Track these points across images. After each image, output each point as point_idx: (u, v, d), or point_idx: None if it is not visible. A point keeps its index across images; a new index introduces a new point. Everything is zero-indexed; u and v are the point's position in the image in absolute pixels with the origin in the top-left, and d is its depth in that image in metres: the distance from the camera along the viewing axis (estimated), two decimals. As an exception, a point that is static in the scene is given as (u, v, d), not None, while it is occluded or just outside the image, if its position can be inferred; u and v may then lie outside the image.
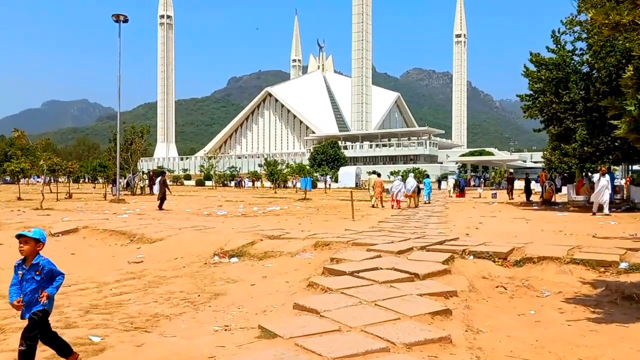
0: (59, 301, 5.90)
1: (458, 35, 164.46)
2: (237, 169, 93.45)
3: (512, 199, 31.52)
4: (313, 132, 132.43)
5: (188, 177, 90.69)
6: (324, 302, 5.23)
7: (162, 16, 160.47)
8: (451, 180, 41.85)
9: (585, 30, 20.61)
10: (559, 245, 8.05)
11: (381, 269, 6.77)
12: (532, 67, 22.08)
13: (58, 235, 11.87)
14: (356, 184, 65.20)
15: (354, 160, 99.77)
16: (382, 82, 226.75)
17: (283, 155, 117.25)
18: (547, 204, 23.52)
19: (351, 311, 4.91)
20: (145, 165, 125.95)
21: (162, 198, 20.69)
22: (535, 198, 27.74)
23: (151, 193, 36.74)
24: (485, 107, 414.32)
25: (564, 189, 33.93)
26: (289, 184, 63.60)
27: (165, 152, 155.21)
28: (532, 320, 5.26)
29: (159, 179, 21.25)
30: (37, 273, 3.65)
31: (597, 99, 18.41)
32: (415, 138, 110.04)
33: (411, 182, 22.36)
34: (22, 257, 3.70)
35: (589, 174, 29.93)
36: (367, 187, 61.89)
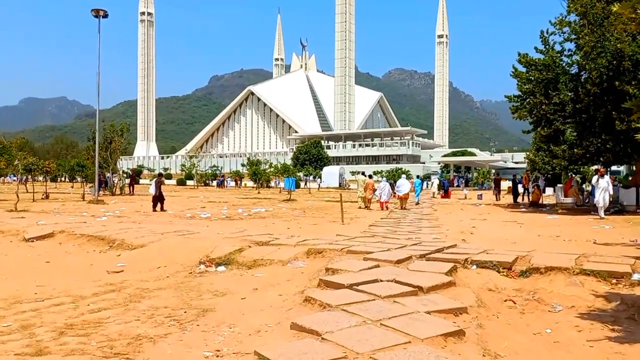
0: (31, 320, 5.36)
1: (440, 36, 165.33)
2: (219, 168, 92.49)
3: (499, 200, 31.43)
4: (296, 132, 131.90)
5: (169, 177, 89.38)
6: (324, 322, 4.76)
7: (143, 13, 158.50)
8: (435, 181, 41.64)
9: (574, 31, 20.49)
10: (564, 254, 7.69)
11: (381, 280, 6.32)
12: (520, 68, 21.91)
13: (32, 241, 11.22)
14: (340, 184, 64.82)
15: (337, 160, 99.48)
16: (364, 82, 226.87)
17: (266, 154, 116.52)
18: (535, 205, 23.38)
19: (356, 333, 4.45)
20: (125, 164, 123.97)
21: (159, 199, 20.06)
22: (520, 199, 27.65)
23: (131, 193, 35.93)
24: (466, 108, 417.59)
25: (548, 190, 34.03)
26: (272, 183, 63.01)
27: (145, 150, 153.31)
28: (550, 340, 4.86)
29: (154, 180, 20.98)
30: None
31: (587, 100, 18.27)
32: (398, 138, 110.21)
33: (404, 183, 22.02)
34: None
35: (572, 175, 29.93)
36: (349, 186, 61.44)
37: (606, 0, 19.11)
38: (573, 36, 20.55)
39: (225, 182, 65.78)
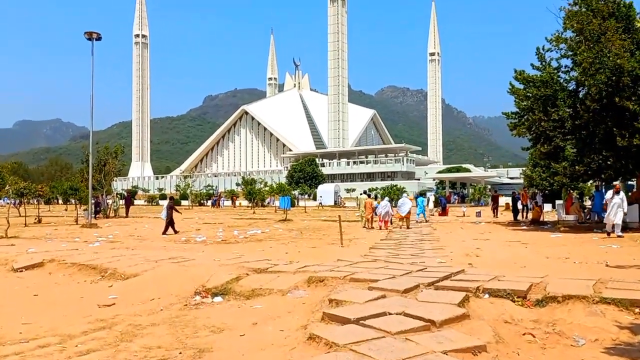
0: (12, 366, 4.92)
1: (432, 54, 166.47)
2: (214, 187, 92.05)
3: (497, 217, 31.25)
4: (290, 150, 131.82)
5: (164, 197, 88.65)
6: (333, 365, 4.36)
7: (137, 35, 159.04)
8: (431, 198, 41.27)
9: (571, 48, 20.38)
10: (579, 280, 7.32)
11: (390, 314, 5.92)
12: (517, 85, 21.75)
13: (21, 271, 10.76)
14: (335, 202, 64.43)
15: (332, 178, 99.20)
16: (357, 100, 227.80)
17: (260, 173, 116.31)
18: (536, 223, 23.05)
19: (368, 379, 4.06)
20: (119, 185, 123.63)
21: (170, 223, 20.02)
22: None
23: (126, 215, 35.48)
24: (459, 124, 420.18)
25: (545, 206, 33.81)
26: (268, 202, 62.55)
27: (140, 171, 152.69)
28: (579, 381, 4.47)
29: (166, 203, 21.19)
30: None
31: (587, 116, 18.06)
32: (393, 155, 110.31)
33: (406, 202, 21.70)
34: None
35: (570, 191, 29.64)
36: (344, 204, 61.03)
37: (602, 17, 19.06)
38: (570, 53, 20.46)
39: (220, 201, 65.25)
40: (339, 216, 16.46)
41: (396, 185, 69.57)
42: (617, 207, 15.69)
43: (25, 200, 34.65)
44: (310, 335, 5.43)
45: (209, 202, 67.51)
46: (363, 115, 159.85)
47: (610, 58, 17.04)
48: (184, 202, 69.72)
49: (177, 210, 21.32)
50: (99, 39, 25.69)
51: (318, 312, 6.48)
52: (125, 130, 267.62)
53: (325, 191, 68.43)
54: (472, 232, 19.66)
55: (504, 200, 47.23)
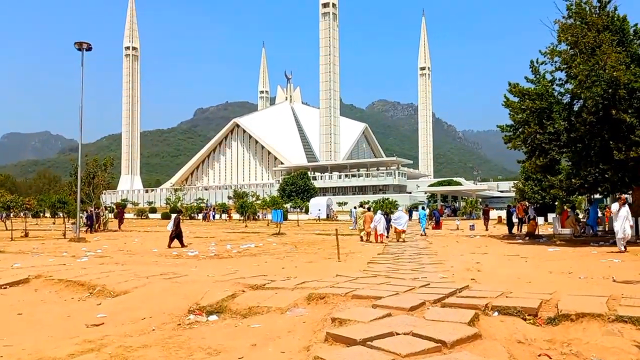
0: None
1: (422, 68, 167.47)
2: (205, 200, 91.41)
3: (488, 230, 31.26)
4: (282, 163, 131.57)
5: (154, 210, 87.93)
6: (342, 393, 4.02)
7: (128, 47, 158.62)
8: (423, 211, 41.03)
9: (565, 61, 20.34)
10: (590, 296, 7.04)
11: (398, 334, 5.60)
12: (512, 98, 21.67)
13: (5, 288, 10.30)
14: (327, 215, 64.06)
15: (324, 191, 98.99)
16: (348, 113, 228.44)
17: (252, 186, 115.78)
18: (531, 237, 22.84)
19: (382, 408, 3.73)
20: (109, 198, 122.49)
21: (177, 236, 19.91)
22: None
23: (119, 229, 35.01)
24: (448, 138, 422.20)
25: (539, 220, 33.76)
26: (259, 215, 62.08)
27: (129, 184, 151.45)
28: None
29: (173, 216, 21.37)
30: None
31: (584, 129, 17.96)
32: (384, 168, 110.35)
33: (402, 216, 21.46)
34: None
35: (562, 204, 29.56)
36: (336, 217, 60.69)
37: (597, 30, 19.05)
38: (564, 65, 20.42)
39: (210, 215, 64.63)
40: (336, 230, 16.13)
41: (388, 199, 69.41)
42: (625, 220, 15.05)
43: (13, 214, 34.02)
44: (315, 358, 5.09)
45: (200, 216, 66.81)
46: (354, 129, 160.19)
47: (607, 70, 16.98)
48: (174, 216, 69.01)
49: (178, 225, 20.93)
50: (89, 49, 25.37)
51: (320, 331, 6.15)
52: (114, 142, 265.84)
53: (318, 204, 68.15)
54: (469, 245, 19.40)
55: (495, 214, 47.24)
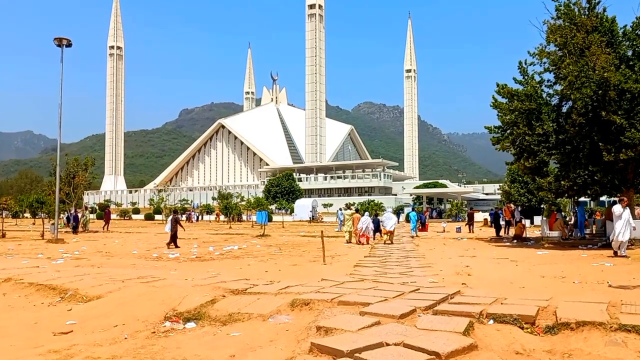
0: None
1: (408, 71, 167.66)
2: (190, 201, 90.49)
3: (472, 232, 31.24)
4: (267, 164, 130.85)
5: (137, 211, 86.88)
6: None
7: (112, 47, 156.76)
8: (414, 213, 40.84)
9: (553, 62, 20.16)
10: (589, 303, 6.70)
11: (388, 344, 5.20)
12: (500, 99, 21.46)
13: (-29, 291, 9.72)
14: (313, 216, 63.61)
15: (309, 192, 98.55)
16: (334, 115, 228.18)
17: (237, 187, 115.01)
18: (519, 239, 22.64)
19: None
20: (91, 198, 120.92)
21: (174, 236, 19.99)
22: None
23: (106, 230, 34.42)
24: (434, 140, 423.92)
25: (525, 222, 33.72)
26: (244, 217, 61.50)
27: (113, 184, 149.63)
28: None
29: (170, 217, 21.40)
30: None
31: (573, 130, 17.76)
32: (370, 170, 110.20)
33: (391, 218, 21.13)
34: None
35: (551, 207, 29.42)
36: (322, 219, 60.26)
37: (586, 31, 18.89)
38: (552, 67, 20.25)
39: (193, 216, 63.83)
40: (322, 232, 15.72)
41: (373, 201, 69.25)
42: (626, 223, 14.07)
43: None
44: (298, 372, 4.67)
45: (183, 217, 66.00)
46: (340, 131, 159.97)
47: (596, 72, 16.80)
48: (157, 217, 68.15)
49: (180, 225, 20.97)
50: (69, 45, 24.68)
51: (305, 341, 5.73)
52: (98, 143, 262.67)
53: (303, 206, 67.71)
54: (456, 248, 19.10)
55: (481, 216, 47.29)
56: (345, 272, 11.46)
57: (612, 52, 18.36)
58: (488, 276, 10.57)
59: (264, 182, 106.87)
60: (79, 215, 34.51)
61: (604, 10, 19.65)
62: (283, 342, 5.94)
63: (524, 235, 23.31)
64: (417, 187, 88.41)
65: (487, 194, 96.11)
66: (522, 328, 5.94)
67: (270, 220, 48.03)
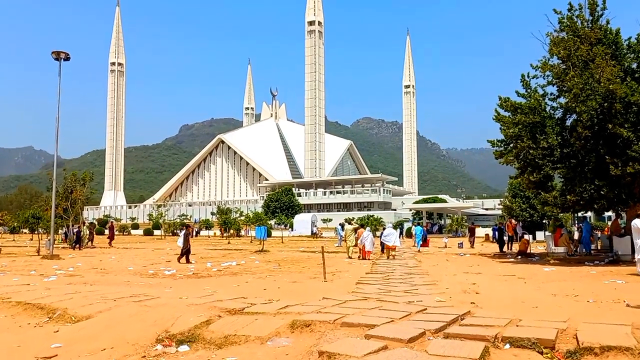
0: None
1: (407, 86, 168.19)
2: (189, 217, 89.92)
3: (473, 247, 31.05)
4: (266, 179, 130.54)
5: (136, 226, 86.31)
6: None
7: (113, 63, 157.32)
8: (413, 228, 40.42)
9: (556, 75, 19.88)
10: (609, 325, 6.27)
11: (397, 372, 4.76)
12: (502, 112, 21.15)
13: (-46, 312, 9.25)
14: (312, 231, 63.06)
15: (308, 208, 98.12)
16: (333, 131, 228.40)
17: (236, 202, 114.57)
18: (523, 255, 22.17)
19: None
20: (90, 214, 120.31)
21: (187, 251, 19.96)
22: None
23: (109, 245, 34.07)
24: (432, 156, 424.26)
25: (526, 237, 33.34)
26: (242, 232, 60.91)
27: (112, 200, 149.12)
28: None
29: (182, 232, 21.23)
30: None
31: (579, 144, 17.41)
32: (369, 185, 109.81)
33: (392, 233, 20.72)
34: None
35: (556, 222, 29.00)
36: (321, 234, 59.75)
37: (590, 43, 18.63)
38: (556, 79, 19.97)
39: (192, 232, 63.22)
40: (322, 247, 15.25)
41: (373, 216, 68.70)
42: None
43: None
44: (299, 405, 4.23)
45: (182, 232, 65.37)
46: (339, 146, 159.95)
47: (602, 84, 16.49)
48: (156, 232, 67.59)
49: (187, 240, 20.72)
50: (67, 59, 24.41)
51: (306, 367, 5.29)
52: (99, 158, 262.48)
53: (302, 221, 67.21)
54: (460, 264, 18.63)
55: (482, 232, 46.85)
56: (347, 289, 11.01)
57: (617, 64, 18.08)
58: (497, 295, 10.11)
59: (263, 197, 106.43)
60: (76, 230, 34.04)
61: (608, 22, 19.44)
62: (283, 368, 5.50)
63: (528, 251, 22.85)
64: (416, 202, 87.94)
65: (487, 209, 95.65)
66: (542, 353, 5.49)
67: (269, 235, 47.64)
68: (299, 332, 6.71)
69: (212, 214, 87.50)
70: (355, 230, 23.28)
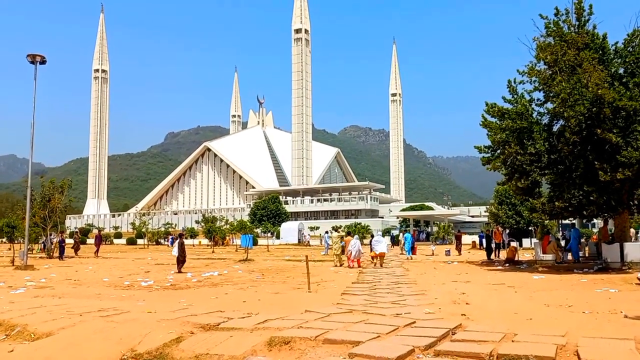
0: None
1: (393, 94, 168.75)
2: (173, 225, 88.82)
3: (461, 254, 30.81)
4: (253, 187, 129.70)
5: (119, 235, 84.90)
6: None
7: (97, 70, 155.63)
8: (401, 236, 40.02)
9: (542, 80, 19.61)
10: (610, 339, 5.81)
11: (383, 399, 4.24)
12: (489, 118, 20.82)
13: None
14: (299, 240, 62.41)
15: (295, 215, 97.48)
16: (320, 138, 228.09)
17: (222, 210, 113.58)
18: (511, 262, 21.80)
19: None
20: (73, 222, 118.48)
21: (182, 261, 19.55)
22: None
23: (96, 256, 33.23)
24: (419, 164, 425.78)
25: (513, 244, 33.10)
26: (226, 239, 59.95)
27: (95, 208, 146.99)
28: None
29: (177, 241, 20.68)
30: None
31: (567, 149, 17.09)
32: (356, 193, 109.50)
33: (380, 241, 20.27)
34: None
35: (543, 229, 28.74)
36: (308, 243, 59.17)
37: (577, 48, 18.38)
38: (543, 85, 19.69)
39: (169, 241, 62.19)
40: (306, 256, 14.71)
41: (360, 223, 68.23)
42: None
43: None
44: None
45: (168, 241, 64.18)
46: (327, 154, 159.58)
47: (590, 89, 16.20)
48: (140, 241, 66.42)
49: (183, 249, 20.09)
50: (43, 62, 23.69)
51: (282, 392, 4.74)
52: (82, 166, 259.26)
53: (289, 229, 66.57)
54: (448, 273, 18.18)
55: (468, 239, 46.59)
56: (332, 301, 10.47)
57: (604, 69, 17.84)
58: (488, 305, 9.63)
59: (249, 205, 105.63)
60: (55, 240, 33.10)
61: (594, 27, 19.21)
62: (256, 393, 4.95)
63: (516, 258, 22.48)
64: (403, 210, 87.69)
65: (473, 216, 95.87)
66: (541, 373, 5.01)
67: (255, 243, 46.87)
68: (277, 350, 6.17)
69: (197, 222, 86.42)
70: (342, 238, 22.79)
